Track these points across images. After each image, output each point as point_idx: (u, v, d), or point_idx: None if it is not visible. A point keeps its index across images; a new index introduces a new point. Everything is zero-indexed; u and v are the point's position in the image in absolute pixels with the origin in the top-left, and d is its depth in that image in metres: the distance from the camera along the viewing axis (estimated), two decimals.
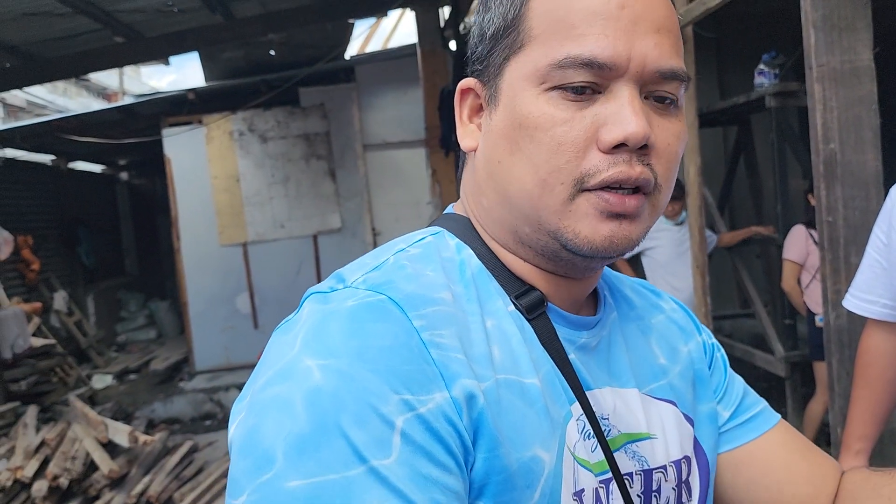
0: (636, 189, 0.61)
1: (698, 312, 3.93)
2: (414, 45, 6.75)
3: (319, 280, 7.37)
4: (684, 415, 0.75)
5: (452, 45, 6.32)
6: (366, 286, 0.60)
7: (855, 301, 1.52)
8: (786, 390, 4.44)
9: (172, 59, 7.38)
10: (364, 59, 7.57)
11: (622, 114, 0.60)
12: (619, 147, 0.60)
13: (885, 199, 1.45)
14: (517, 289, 0.67)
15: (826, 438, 4.24)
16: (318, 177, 7.47)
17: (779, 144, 4.44)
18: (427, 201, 6.95)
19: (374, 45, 8.76)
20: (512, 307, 0.66)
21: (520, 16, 0.64)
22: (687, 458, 0.73)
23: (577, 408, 0.65)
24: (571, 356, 0.67)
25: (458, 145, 0.72)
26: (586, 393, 0.66)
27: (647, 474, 0.69)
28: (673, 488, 0.71)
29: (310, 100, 7.42)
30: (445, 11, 6.65)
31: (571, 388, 0.65)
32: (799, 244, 3.87)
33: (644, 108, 0.61)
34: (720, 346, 0.87)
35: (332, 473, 0.51)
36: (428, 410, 0.54)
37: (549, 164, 0.61)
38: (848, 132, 2.48)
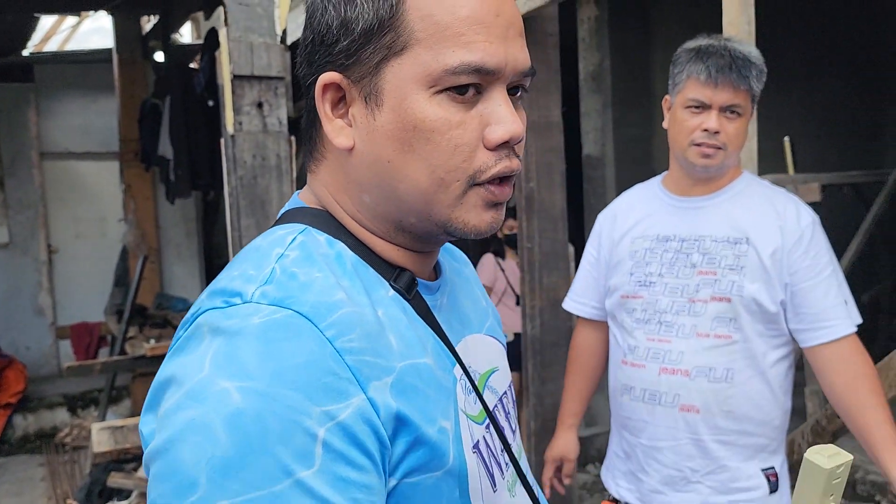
0: (509, 178, 0.70)
1: None
2: (108, 50, 6.32)
3: None
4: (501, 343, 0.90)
5: (159, 56, 6.04)
6: (268, 301, 0.61)
7: (572, 303, 1.88)
8: None
9: None
10: (47, 58, 6.85)
11: (504, 115, 0.66)
12: (502, 144, 0.67)
13: (594, 224, 1.84)
14: (391, 273, 0.71)
15: None
16: None
17: None
18: (118, 218, 6.47)
19: (55, 45, 7.94)
20: (392, 292, 0.70)
21: (396, 16, 0.65)
22: (510, 383, 0.87)
23: (457, 369, 0.72)
24: (439, 320, 0.73)
25: (312, 140, 0.73)
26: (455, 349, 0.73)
27: (501, 401, 0.81)
28: (513, 404, 0.86)
29: None
30: (146, 20, 6.35)
31: (451, 353, 0.72)
32: (489, 270, 4.44)
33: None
34: None
35: (257, 490, 0.53)
36: (347, 416, 0.57)
37: (448, 165, 0.66)
38: (542, 174, 2.99)
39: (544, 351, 2.96)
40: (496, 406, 0.80)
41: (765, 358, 1.54)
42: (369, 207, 0.71)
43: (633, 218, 1.71)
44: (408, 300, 0.72)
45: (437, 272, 0.82)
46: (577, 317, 1.89)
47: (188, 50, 6.69)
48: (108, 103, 6.52)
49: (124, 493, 3.84)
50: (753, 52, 1.53)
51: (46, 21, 7.49)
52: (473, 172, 0.67)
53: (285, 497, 0.54)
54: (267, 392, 0.55)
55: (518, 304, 3.99)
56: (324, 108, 0.69)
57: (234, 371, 0.56)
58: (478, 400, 0.75)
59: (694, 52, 1.54)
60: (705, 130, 1.51)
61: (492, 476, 0.73)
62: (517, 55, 0.67)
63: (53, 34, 7.84)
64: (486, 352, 0.83)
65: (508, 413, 0.84)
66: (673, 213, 1.64)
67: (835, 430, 1.84)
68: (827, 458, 0.54)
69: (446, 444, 0.66)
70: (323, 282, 0.64)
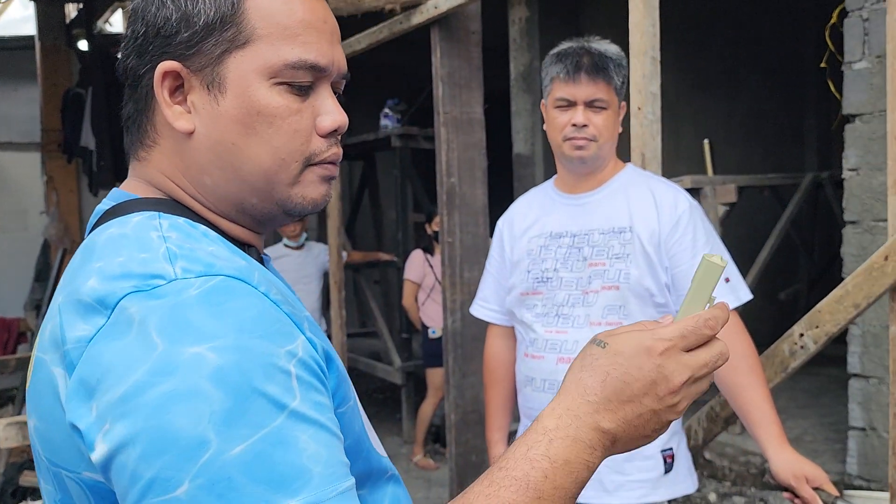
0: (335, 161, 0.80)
1: (333, 325, 4.28)
2: (31, 37, 6.12)
3: None
4: None
5: (83, 44, 5.87)
6: (194, 275, 0.64)
7: (478, 308, 1.91)
8: (401, 396, 5.01)
9: None
10: None
11: (332, 107, 0.76)
12: (332, 132, 0.76)
13: (495, 228, 1.87)
14: (241, 248, 0.77)
15: (434, 436, 4.88)
16: None
17: (402, 180, 5.05)
18: (40, 211, 6.28)
19: None
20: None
21: (238, 13, 0.72)
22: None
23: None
24: None
25: (133, 128, 0.77)
26: None
27: None
28: None
29: None
30: (72, 8, 6.17)
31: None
32: (418, 266, 4.46)
33: None
34: None
35: (263, 428, 0.58)
36: (302, 353, 0.64)
37: (289, 147, 0.74)
38: (464, 170, 3.03)
39: (465, 344, 3.00)
40: None
41: None
42: (210, 189, 0.76)
43: (529, 219, 1.77)
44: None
45: None
46: (488, 324, 1.91)
47: (116, 39, 6.52)
48: (29, 92, 6.32)
49: (38, 493, 3.73)
50: (611, 49, 1.64)
51: None
52: (309, 155, 0.76)
53: (287, 427, 0.59)
54: (238, 345, 0.60)
55: None
56: (163, 94, 0.73)
57: (195, 337, 0.60)
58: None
59: (556, 55, 1.65)
60: (574, 125, 1.60)
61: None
62: (340, 58, 0.78)
63: None
64: None
65: None
66: (564, 211, 1.71)
67: (727, 417, 1.92)
68: (718, 260, 0.71)
69: (348, 379, 0.74)
70: (221, 251, 0.69)
